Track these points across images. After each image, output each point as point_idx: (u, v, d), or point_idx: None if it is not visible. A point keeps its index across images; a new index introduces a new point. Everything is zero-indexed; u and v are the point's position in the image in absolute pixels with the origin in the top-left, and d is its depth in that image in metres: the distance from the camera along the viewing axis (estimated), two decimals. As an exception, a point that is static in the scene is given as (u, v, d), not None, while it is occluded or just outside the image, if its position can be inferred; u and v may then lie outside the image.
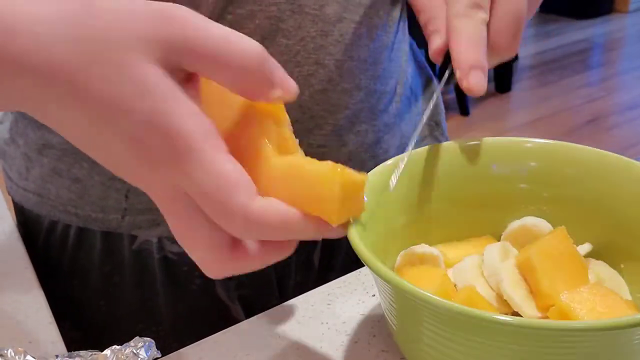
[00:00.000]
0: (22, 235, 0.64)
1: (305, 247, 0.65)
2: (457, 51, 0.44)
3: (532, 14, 0.53)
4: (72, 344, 0.53)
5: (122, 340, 0.66)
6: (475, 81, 0.43)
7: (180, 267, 0.62)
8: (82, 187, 0.59)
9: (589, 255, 0.48)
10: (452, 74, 0.46)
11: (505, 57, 0.48)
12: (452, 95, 3.11)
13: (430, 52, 0.47)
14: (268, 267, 0.63)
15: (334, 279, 0.69)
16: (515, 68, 3.48)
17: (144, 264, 0.62)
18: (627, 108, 3.09)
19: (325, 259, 0.67)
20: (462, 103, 3.07)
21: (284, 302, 0.67)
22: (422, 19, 0.48)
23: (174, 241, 0.60)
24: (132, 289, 0.63)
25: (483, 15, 0.45)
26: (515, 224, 0.49)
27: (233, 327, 0.51)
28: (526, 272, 0.44)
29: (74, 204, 0.60)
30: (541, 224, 0.49)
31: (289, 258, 0.64)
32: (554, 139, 0.50)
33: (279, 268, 0.64)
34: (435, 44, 0.46)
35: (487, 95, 3.27)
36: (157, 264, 0.61)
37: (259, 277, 0.64)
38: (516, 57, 3.58)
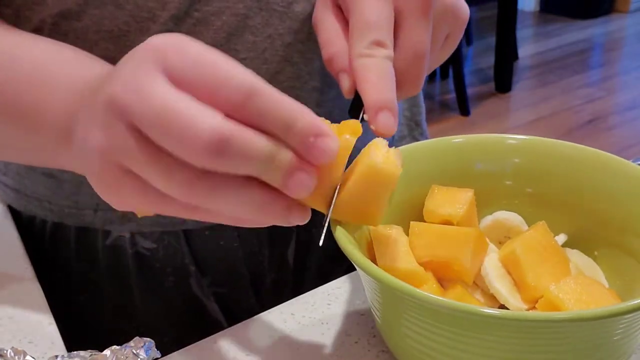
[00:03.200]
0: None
1: (278, 244, 0.65)
2: (363, 93, 0.43)
3: (450, 48, 0.52)
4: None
5: (103, 335, 0.66)
6: (384, 123, 0.42)
7: (153, 263, 0.63)
8: (56, 182, 0.60)
9: (564, 245, 0.49)
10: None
11: (411, 93, 0.47)
12: (452, 95, 3.11)
13: (343, 92, 0.46)
14: (241, 265, 0.64)
15: (310, 277, 0.69)
16: (515, 68, 3.48)
17: (118, 260, 0.62)
18: (627, 108, 3.08)
19: (299, 257, 0.67)
20: (462, 103, 3.05)
21: (260, 301, 0.67)
22: (325, 53, 0.47)
23: (146, 237, 0.61)
24: (108, 285, 0.64)
25: (386, 52, 0.44)
26: (487, 220, 0.50)
27: (232, 327, 0.52)
28: (510, 266, 0.44)
29: (48, 198, 0.61)
30: (512, 217, 0.50)
31: (262, 255, 0.65)
32: (554, 139, 0.51)
33: (252, 266, 0.65)
34: (346, 85, 0.46)
35: (487, 95, 3.26)
36: (130, 260, 0.62)
37: (232, 275, 0.64)
38: (516, 57, 3.57)
